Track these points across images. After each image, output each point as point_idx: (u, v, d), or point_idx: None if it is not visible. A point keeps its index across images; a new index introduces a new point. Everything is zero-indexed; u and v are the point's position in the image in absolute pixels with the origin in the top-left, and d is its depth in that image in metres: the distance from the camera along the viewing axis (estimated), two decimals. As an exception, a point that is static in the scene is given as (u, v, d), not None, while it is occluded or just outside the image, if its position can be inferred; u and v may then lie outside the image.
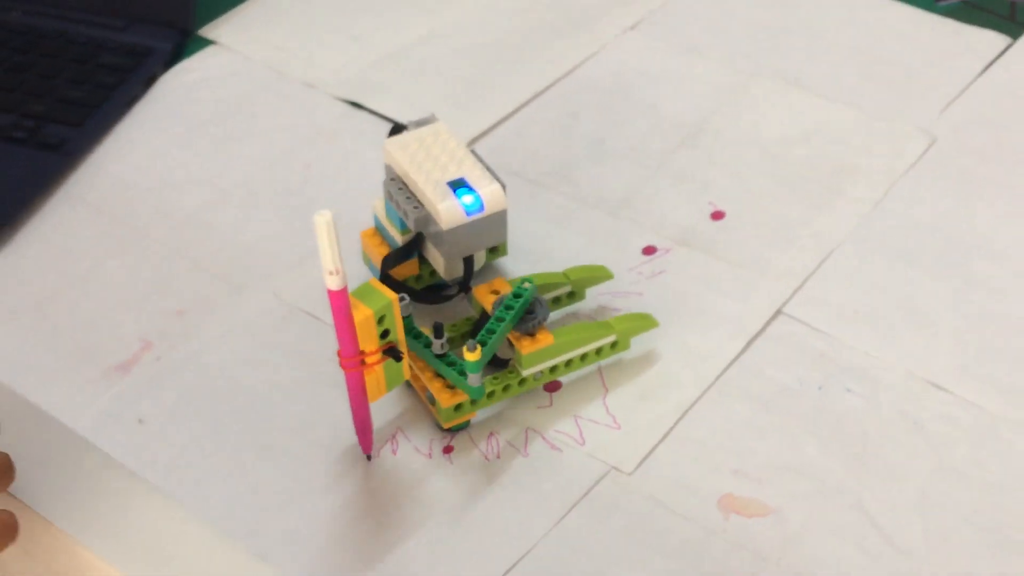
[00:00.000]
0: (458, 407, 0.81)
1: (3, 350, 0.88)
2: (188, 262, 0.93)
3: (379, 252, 0.88)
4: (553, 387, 0.84)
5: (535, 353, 0.81)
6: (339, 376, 0.78)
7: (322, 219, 0.69)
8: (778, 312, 0.87)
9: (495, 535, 0.77)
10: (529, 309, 0.82)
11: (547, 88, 1.05)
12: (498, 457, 0.80)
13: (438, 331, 0.79)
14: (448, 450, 0.81)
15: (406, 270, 0.88)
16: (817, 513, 0.77)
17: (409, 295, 0.85)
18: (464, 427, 0.82)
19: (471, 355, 0.77)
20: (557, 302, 0.87)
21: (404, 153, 0.85)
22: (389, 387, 0.78)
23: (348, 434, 0.81)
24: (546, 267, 0.90)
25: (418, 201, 0.84)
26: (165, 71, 1.09)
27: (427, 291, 0.88)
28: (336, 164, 1.01)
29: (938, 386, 0.83)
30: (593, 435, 0.82)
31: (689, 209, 0.95)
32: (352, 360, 0.75)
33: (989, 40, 1.07)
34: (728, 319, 0.88)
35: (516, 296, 0.81)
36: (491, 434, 0.82)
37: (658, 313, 0.87)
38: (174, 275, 0.92)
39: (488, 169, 0.85)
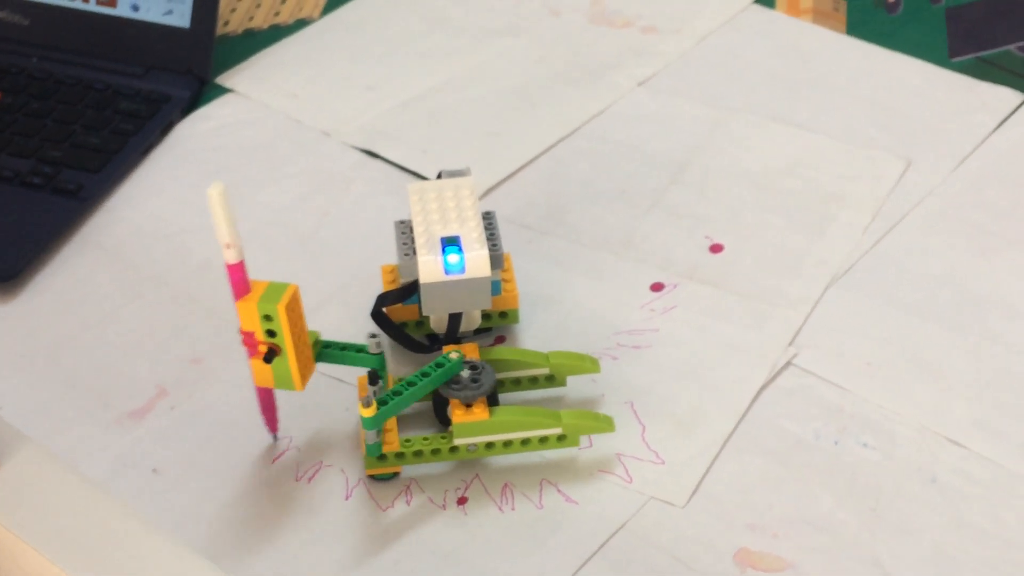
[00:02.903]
0: (382, 457, 0.80)
1: (18, 395, 0.88)
2: (204, 309, 0.93)
3: (389, 288, 0.89)
4: None
5: (465, 425, 0.80)
6: (355, 425, 0.77)
7: (215, 191, 0.71)
8: (789, 364, 0.88)
9: (510, 587, 0.77)
10: (474, 379, 0.81)
11: (559, 141, 1.06)
12: (513, 509, 0.80)
13: (372, 378, 0.79)
14: (462, 501, 0.81)
15: (407, 314, 0.88)
16: (832, 567, 0.77)
17: (399, 338, 0.86)
18: (390, 478, 0.82)
19: (365, 411, 0.77)
20: (534, 382, 0.86)
21: (419, 199, 0.85)
22: (278, 384, 0.79)
23: (362, 485, 0.82)
24: (558, 316, 0.91)
25: (412, 248, 0.84)
26: (182, 118, 1.10)
27: (429, 339, 0.88)
28: (351, 211, 1.01)
29: (954, 441, 0.83)
30: (639, 472, 0.82)
31: (688, 244, 0.96)
32: (247, 338, 0.77)
33: (1003, 96, 1.07)
34: (748, 349, 0.88)
35: (438, 365, 0.80)
36: (506, 485, 0.82)
37: (678, 347, 0.89)
38: (190, 322, 0.93)
39: (493, 234, 0.85)
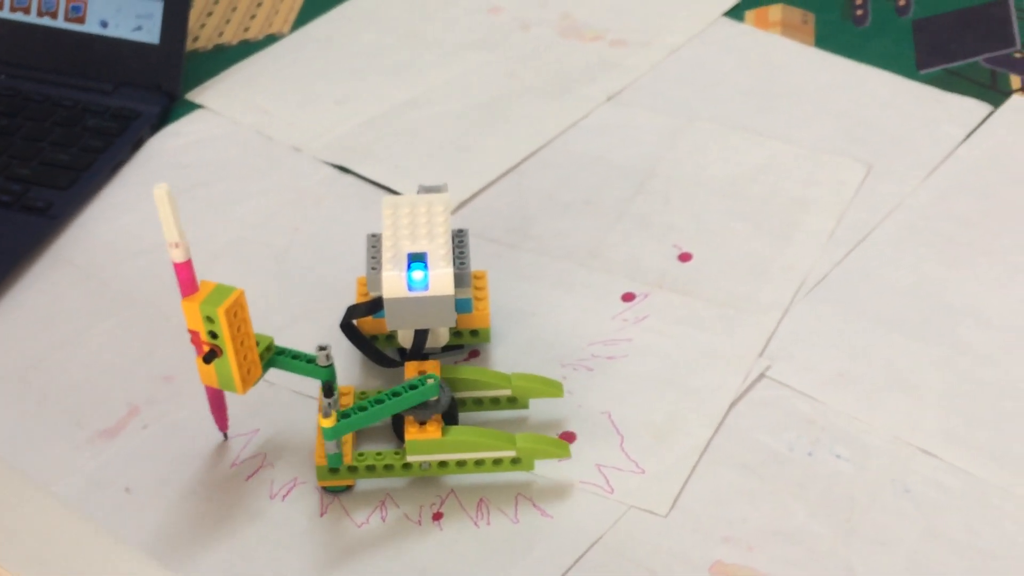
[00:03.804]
0: (334, 470, 0.80)
1: (-11, 415, 0.88)
2: (175, 326, 0.93)
3: (362, 300, 0.89)
4: (568, 437, 0.84)
5: (418, 442, 0.80)
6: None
7: (161, 191, 0.73)
8: (762, 376, 0.88)
9: (486, 603, 0.76)
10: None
11: (529, 155, 1.06)
12: (488, 524, 0.80)
13: (327, 390, 0.79)
14: (438, 517, 0.81)
15: (378, 327, 0.88)
16: (808, 580, 0.77)
17: (367, 351, 0.86)
18: (343, 491, 0.82)
19: (325, 421, 0.77)
20: (496, 403, 0.85)
21: (391, 213, 0.85)
22: (221, 385, 0.80)
23: (337, 501, 0.81)
24: (531, 329, 0.91)
25: (379, 263, 0.84)
26: (152, 135, 1.09)
27: (399, 353, 0.88)
28: (323, 227, 1.01)
29: (926, 452, 0.83)
30: (620, 482, 0.82)
31: (656, 253, 0.97)
32: (193, 336, 0.78)
33: (971, 108, 1.08)
34: (722, 356, 0.89)
35: (412, 387, 0.80)
36: (481, 500, 0.81)
37: (652, 356, 0.89)
38: (162, 340, 0.92)
39: (462, 252, 0.85)
